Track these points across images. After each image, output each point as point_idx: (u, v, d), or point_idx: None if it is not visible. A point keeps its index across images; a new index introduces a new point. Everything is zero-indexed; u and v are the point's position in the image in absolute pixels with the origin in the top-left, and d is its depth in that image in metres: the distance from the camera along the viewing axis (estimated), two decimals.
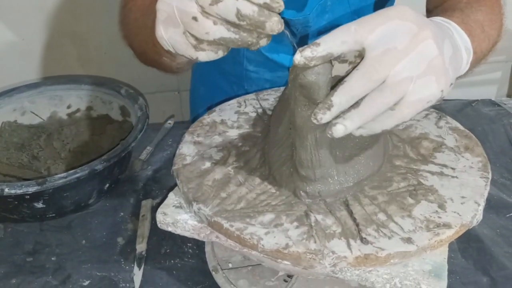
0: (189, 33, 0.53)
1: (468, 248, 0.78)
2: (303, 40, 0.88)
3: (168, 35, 0.55)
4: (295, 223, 0.59)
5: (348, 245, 0.55)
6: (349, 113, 0.51)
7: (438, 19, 0.61)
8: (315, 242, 0.56)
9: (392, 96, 0.50)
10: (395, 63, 0.49)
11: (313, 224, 0.58)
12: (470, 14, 0.67)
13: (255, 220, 0.59)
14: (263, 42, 0.53)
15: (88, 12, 1.28)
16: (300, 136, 0.59)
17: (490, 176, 0.65)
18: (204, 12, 0.50)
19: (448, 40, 0.55)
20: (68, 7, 1.28)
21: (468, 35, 0.62)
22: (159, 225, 0.66)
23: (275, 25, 0.50)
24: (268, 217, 0.60)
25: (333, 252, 0.55)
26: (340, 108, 0.51)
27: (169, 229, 0.65)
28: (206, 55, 0.54)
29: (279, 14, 0.51)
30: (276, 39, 0.89)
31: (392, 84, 0.50)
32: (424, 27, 0.51)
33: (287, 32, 0.62)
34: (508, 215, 0.83)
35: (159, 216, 0.65)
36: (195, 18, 0.51)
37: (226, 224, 0.59)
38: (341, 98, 0.51)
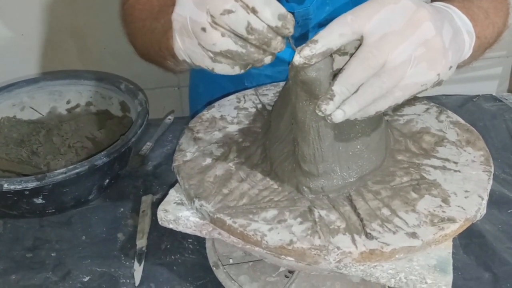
0: (199, 43, 0.52)
1: (470, 244, 0.78)
2: (303, 32, 0.88)
3: (185, 46, 0.54)
4: (299, 219, 0.58)
5: (353, 240, 0.55)
6: (348, 98, 0.51)
7: (437, 3, 0.60)
8: (319, 237, 0.55)
9: (390, 80, 0.50)
10: (393, 48, 0.49)
11: (317, 219, 0.58)
12: (473, 0, 0.66)
13: (258, 216, 0.59)
14: (268, 59, 0.53)
15: (87, 7, 1.28)
16: (303, 131, 0.59)
17: (492, 170, 0.65)
18: (214, 22, 0.50)
19: (447, 23, 0.54)
20: (67, 2, 1.27)
21: (470, 19, 0.61)
22: (160, 223, 0.65)
23: (279, 44, 0.51)
24: (271, 213, 0.59)
25: (338, 248, 0.54)
26: (342, 97, 0.51)
27: (171, 226, 0.65)
28: (222, 68, 0.54)
29: None
30: None
31: (390, 69, 0.49)
32: (421, 10, 0.50)
33: None
34: (509, 211, 0.83)
35: (160, 213, 0.64)
36: (203, 29, 0.51)
37: (229, 221, 0.58)
38: (341, 87, 0.51)
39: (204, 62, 0.53)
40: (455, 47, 0.54)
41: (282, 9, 0.50)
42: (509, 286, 0.71)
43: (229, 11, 0.49)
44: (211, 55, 0.52)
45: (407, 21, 0.49)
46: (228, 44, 0.51)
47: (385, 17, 0.49)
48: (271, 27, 0.50)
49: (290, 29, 0.50)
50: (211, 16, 0.50)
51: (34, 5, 1.26)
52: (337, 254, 0.54)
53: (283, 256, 0.57)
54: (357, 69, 0.50)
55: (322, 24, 0.87)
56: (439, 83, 0.53)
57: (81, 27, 1.31)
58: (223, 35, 0.50)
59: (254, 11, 0.49)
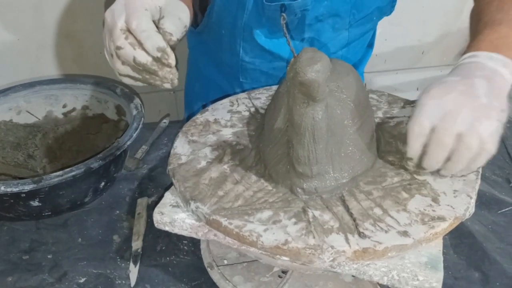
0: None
1: (460, 244, 0.79)
2: (300, 25, 0.89)
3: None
4: (293, 219, 0.59)
5: (346, 239, 0.56)
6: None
7: (465, 59, 0.65)
8: (314, 237, 0.57)
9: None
10: (454, 124, 0.58)
11: (311, 219, 0.59)
12: (502, 21, 0.68)
13: (254, 217, 0.60)
14: (167, 85, 0.60)
15: (83, 12, 1.28)
16: (298, 133, 0.60)
17: (480, 170, 0.66)
18: (116, 53, 0.59)
19: (477, 79, 0.61)
20: (64, 7, 1.28)
21: (506, 48, 0.65)
22: (156, 225, 0.65)
23: (166, 74, 0.59)
24: (266, 214, 0.60)
25: (332, 247, 0.55)
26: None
27: (167, 228, 0.65)
28: (128, 81, 0.62)
29: None
30: (272, 29, 0.90)
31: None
32: (452, 97, 0.59)
33: (283, 25, 0.63)
34: (499, 211, 0.85)
35: (156, 216, 0.65)
36: (111, 55, 0.60)
37: (225, 222, 0.59)
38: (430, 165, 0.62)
39: (116, 74, 0.62)
40: (495, 92, 0.60)
41: (161, 43, 0.57)
42: (498, 285, 0.73)
43: (119, 48, 0.58)
44: (118, 73, 0.62)
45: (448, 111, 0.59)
46: (127, 71, 0.60)
47: (434, 111, 0.59)
48: (153, 57, 0.57)
49: (168, 61, 0.58)
50: (114, 47, 0.59)
51: (31, 10, 1.26)
52: (331, 253, 0.55)
53: (278, 256, 0.58)
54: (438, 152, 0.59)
55: (319, 19, 0.88)
56: (503, 126, 0.59)
57: (77, 32, 1.32)
58: (123, 63, 0.60)
59: (140, 43, 0.57)
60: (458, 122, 0.58)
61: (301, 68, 0.56)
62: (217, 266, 0.73)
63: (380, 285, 0.69)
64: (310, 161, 0.61)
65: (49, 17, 1.28)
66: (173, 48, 0.60)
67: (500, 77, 0.62)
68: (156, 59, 0.58)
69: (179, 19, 0.61)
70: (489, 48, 0.65)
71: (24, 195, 0.77)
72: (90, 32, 1.32)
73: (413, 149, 0.61)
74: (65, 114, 1.04)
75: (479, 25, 0.71)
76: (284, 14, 0.66)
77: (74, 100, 1.04)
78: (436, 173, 0.63)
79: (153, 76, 0.59)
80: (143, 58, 0.58)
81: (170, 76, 0.59)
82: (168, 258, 0.78)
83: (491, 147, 0.59)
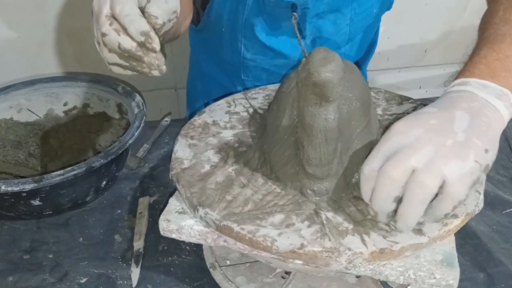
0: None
1: (464, 244, 0.78)
2: (301, 23, 0.88)
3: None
4: (306, 222, 0.58)
5: (363, 240, 0.56)
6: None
7: (455, 86, 0.57)
8: (329, 240, 0.56)
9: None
10: (408, 159, 0.50)
11: (324, 222, 0.58)
12: (505, 38, 0.60)
13: (266, 222, 0.58)
14: (155, 72, 0.58)
15: (84, 9, 1.28)
16: (310, 135, 0.59)
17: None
18: (102, 40, 0.58)
19: (459, 112, 0.52)
20: (65, 5, 1.27)
21: (506, 71, 0.56)
22: (162, 233, 0.64)
23: (152, 60, 0.57)
24: (278, 217, 0.59)
25: (349, 249, 0.55)
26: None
27: (173, 236, 0.63)
28: (116, 69, 0.60)
29: None
30: (273, 26, 0.89)
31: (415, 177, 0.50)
32: (421, 134, 0.51)
33: (294, 24, 0.62)
34: (504, 212, 0.84)
35: (162, 224, 0.63)
36: (98, 43, 0.59)
37: (236, 228, 0.58)
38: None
39: (105, 64, 0.61)
40: (480, 129, 0.51)
41: (144, 27, 0.55)
42: (503, 287, 0.72)
43: (104, 34, 0.57)
44: (106, 61, 0.60)
45: (415, 141, 0.51)
46: (114, 58, 0.58)
47: (389, 147, 0.52)
48: (137, 42, 0.56)
49: (152, 45, 0.55)
50: (100, 35, 0.57)
51: (32, 7, 1.26)
52: (349, 255, 0.55)
53: (290, 260, 0.57)
54: (385, 200, 0.53)
55: (320, 16, 0.87)
56: (487, 170, 0.51)
57: (78, 29, 1.31)
58: (109, 51, 0.58)
59: (124, 29, 0.56)
60: (413, 158, 0.49)
61: (314, 68, 0.55)
62: (220, 266, 0.73)
63: (383, 284, 0.69)
64: (322, 162, 0.60)
65: (50, 15, 1.28)
66: (160, 33, 0.58)
67: (492, 110, 0.53)
68: (141, 44, 0.56)
69: (166, 2, 0.59)
70: (484, 73, 0.56)
71: (25, 194, 0.77)
72: (91, 30, 1.31)
73: (364, 192, 0.55)
74: (66, 112, 1.04)
75: (480, 39, 0.62)
76: (295, 14, 0.65)
77: (75, 98, 1.03)
78: (394, 226, 0.56)
79: (140, 63, 0.57)
80: (128, 43, 0.56)
81: (156, 62, 0.57)
82: (170, 258, 0.77)
83: (458, 192, 0.49)
